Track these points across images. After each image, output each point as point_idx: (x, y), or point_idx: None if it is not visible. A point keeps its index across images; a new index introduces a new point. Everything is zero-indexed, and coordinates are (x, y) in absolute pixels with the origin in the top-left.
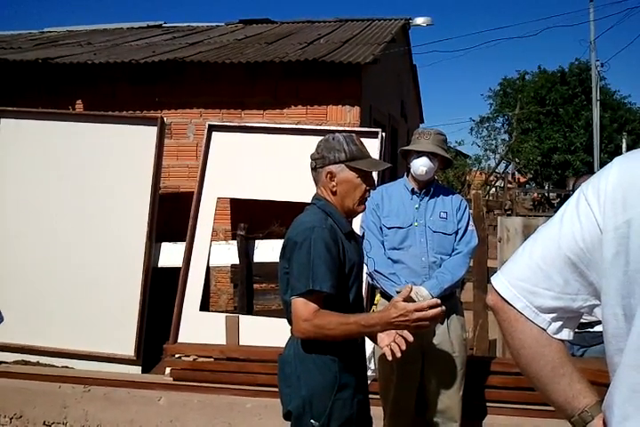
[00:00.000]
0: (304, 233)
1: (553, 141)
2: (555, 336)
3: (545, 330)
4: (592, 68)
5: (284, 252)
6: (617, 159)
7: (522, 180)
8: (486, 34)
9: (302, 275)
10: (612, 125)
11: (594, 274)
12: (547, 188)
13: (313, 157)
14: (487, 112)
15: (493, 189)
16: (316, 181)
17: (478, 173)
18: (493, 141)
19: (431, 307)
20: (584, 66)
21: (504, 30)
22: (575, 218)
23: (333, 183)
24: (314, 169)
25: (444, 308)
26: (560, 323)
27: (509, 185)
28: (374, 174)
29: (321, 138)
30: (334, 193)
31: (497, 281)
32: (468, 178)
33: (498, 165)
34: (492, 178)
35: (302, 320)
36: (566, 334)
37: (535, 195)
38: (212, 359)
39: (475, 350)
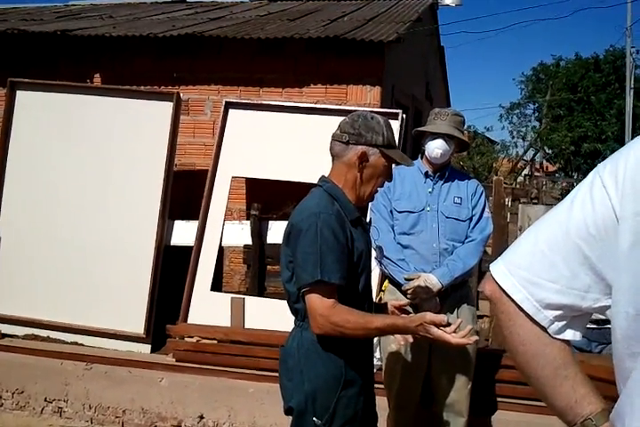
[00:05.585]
0: (309, 219)
1: (583, 130)
2: (556, 337)
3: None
4: (627, 55)
5: (288, 239)
6: (638, 138)
7: (550, 168)
8: (517, 14)
9: (309, 264)
10: None
11: (607, 267)
12: (576, 177)
13: (346, 131)
14: (518, 98)
15: (521, 178)
16: (339, 156)
17: (506, 160)
18: (524, 128)
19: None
20: (619, 53)
21: (537, 11)
22: (588, 201)
23: (362, 165)
24: (345, 143)
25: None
26: (564, 322)
27: (537, 173)
28: None
29: (347, 115)
30: (361, 175)
31: (495, 268)
32: (495, 165)
33: (526, 152)
34: (519, 166)
35: (318, 315)
36: (571, 335)
37: (564, 184)
38: (216, 342)
39: (490, 342)
